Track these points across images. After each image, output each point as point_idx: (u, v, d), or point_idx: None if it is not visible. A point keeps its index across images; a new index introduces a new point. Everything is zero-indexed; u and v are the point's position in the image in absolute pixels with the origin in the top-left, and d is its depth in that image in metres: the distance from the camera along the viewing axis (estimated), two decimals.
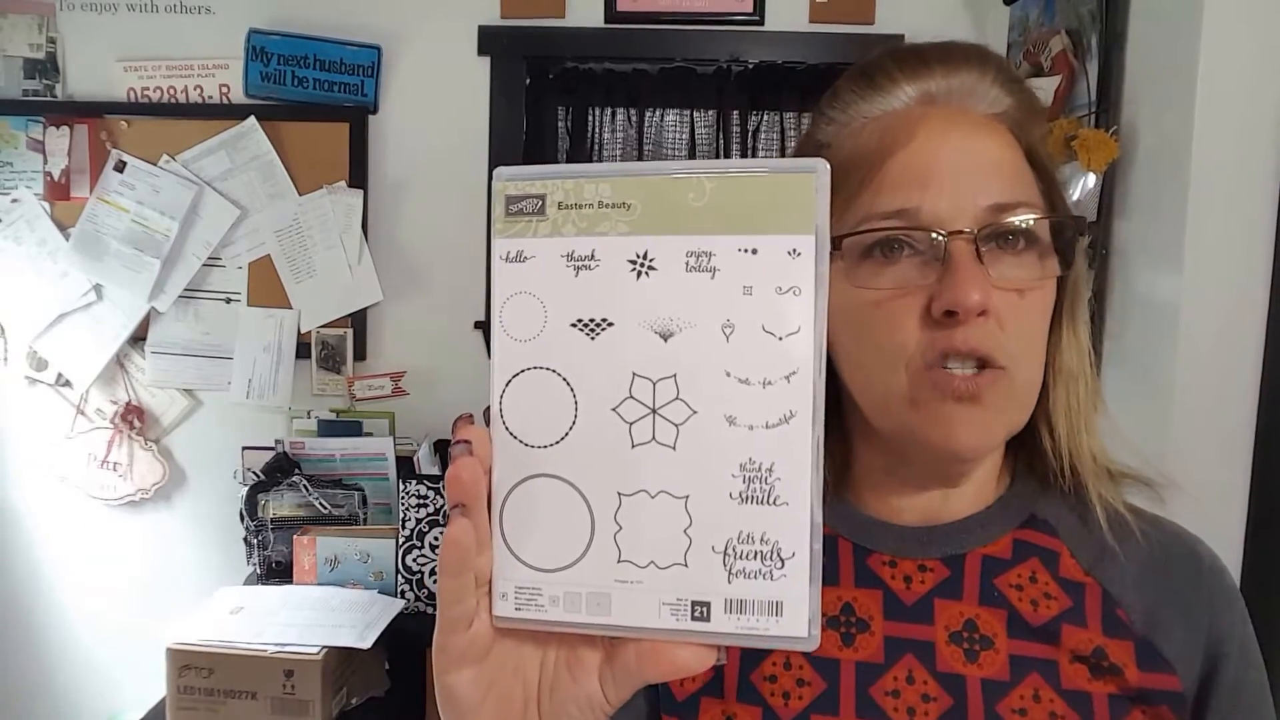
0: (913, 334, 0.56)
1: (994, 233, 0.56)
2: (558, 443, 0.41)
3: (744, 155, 2.35)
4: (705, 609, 0.40)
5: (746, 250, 0.39)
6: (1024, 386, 0.58)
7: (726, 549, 0.40)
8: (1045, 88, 1.73)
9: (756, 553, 0.39)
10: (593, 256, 0.40)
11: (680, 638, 0.40)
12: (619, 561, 0.40)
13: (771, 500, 0.39)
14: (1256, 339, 1.42)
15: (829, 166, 0.39)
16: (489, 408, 0.42)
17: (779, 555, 0.39)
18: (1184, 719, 0.58)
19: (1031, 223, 0.57)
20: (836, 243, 0.58)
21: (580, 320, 0.40)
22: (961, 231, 0.55)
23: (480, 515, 0.41)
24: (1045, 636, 0.59)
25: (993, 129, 0.59)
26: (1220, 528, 1.41)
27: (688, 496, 0.40)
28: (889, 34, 2.19)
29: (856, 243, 0.57)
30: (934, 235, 0.55)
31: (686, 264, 0.39)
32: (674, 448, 0.40)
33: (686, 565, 0.40)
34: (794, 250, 0.38)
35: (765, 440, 0.39)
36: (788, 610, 0.39)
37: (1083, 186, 1.64)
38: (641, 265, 0.40)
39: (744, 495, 0.39)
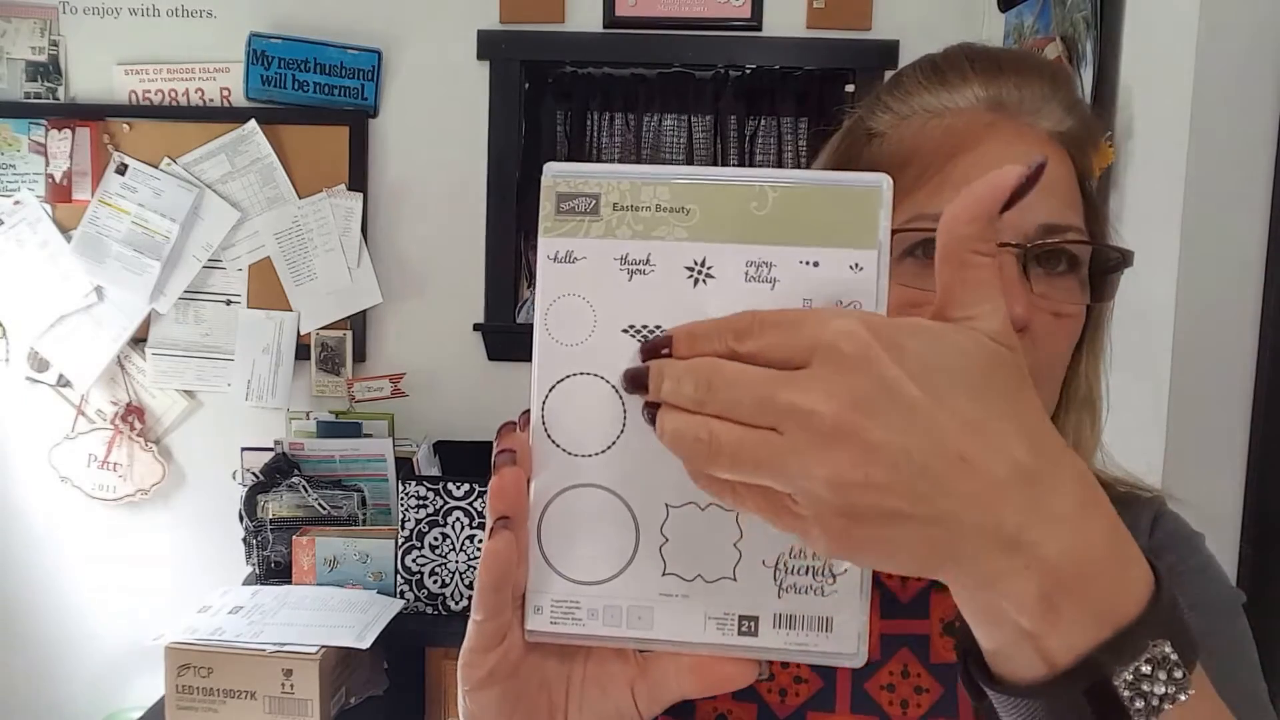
0: None
1: (1042, 252, 0.56)
2: (603, 451, 0.39)
3: (741, 160, 2.36)
4: (753, 624, 0.39)
5: (808, 262, 0.38)
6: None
7: (778, 564, 0.39)
8: None
9: (808, 568, 0.39)
10: (648, 261, 0.39)
11: (725, 652, 0.39)
12: (664, 574, 0.39)
13: None
14: (1250, 343, 1.43)
15: (892, 183, 0.38)
16: (526, 411, 0.40)
17: (830, 570, 0.39)
18: None
19: (1078, 248, 0.57)
20: None
21: (633, 326, 0.39)
22: (1010, 245, 0.55)
23: (523, 529, 0.39)
24: None
25: (1054, 148, 0.58)
26: (1216, 530, 1.42)
27: (739, 510, 0.39)
28: (885, 40, 2.20)
29: (902, 239, 0.57)
30: None
31: (746, 274, 0.38)
32: None
33: (735, 579, 0.39)
34: (856, 265, 0.38)
35: None
36: (837, 626, 0.39)
37: None
38: (699, 273, 0.38)
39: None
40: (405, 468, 2.06)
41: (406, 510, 1.92)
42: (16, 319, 2.26)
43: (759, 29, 2.22)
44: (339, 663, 1.71)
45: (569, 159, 2.39)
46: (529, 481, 0.40)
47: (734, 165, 2.32)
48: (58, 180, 2.24)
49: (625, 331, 0.39)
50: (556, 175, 0.39)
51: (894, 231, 0.56)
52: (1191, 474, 1.43)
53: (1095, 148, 0.61)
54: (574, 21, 2.24)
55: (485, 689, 0.42)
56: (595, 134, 2.38)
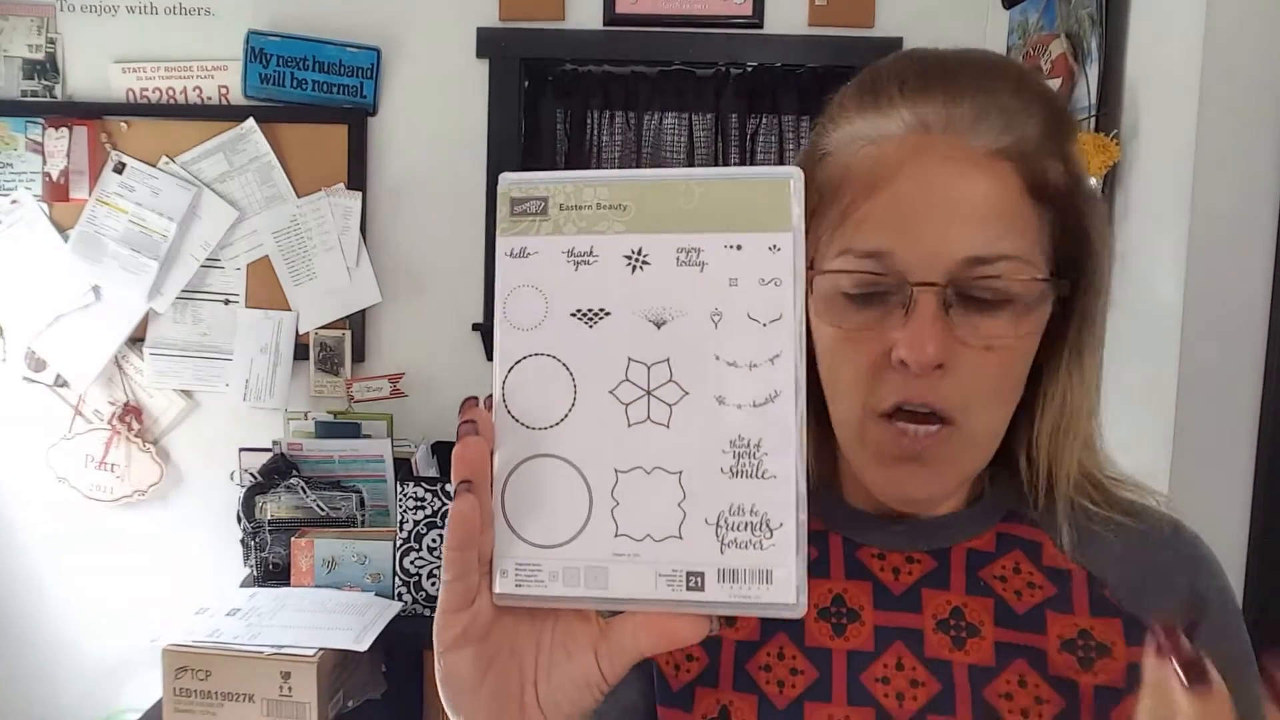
0: (872, 375, 0.57)
1: (961, 290, 0.56)
2: (557, 424, 0.43)
3: (743, 158, 2.36)
4: (699, 579, 0.42)
5: (732, 246, 0.42)
6: (977, 438, 0.59)
7: (719, 521, 0.42)
8: None
9: (747, 524, 0.42)
10: (591, 252, 0.43)
11: (676, 608, 0.42)
12: (616, 536, 0.43)
13: (760, 474, 0.42)
14: (1258, 343, 1.42)
15: (803, 174, 0.42)
16: (491, 395, 0.45)
17: (768, 526, 0.42)
18: None
19: (1000, 286, 0.56)
20: (813, 265, 0.59)
21: (579, 310, 0.43)
22: (930, 284, 0.55)
23: (485, 492, 0.42)
24: (1031, 625, 0.61)
25: (988, 167, 0.56)
26: (1223, 531, 1.41)
27: (681, 472, 0.42)
28: (888, 37, 2.19)
29: (832, 282, 0.58)
30: (902, 285, 0.56)
31: (677, 259, 0.43)
32: (668, 426, 0.43)
33: (681, 537, 0.42)
34: (774, 246, 0.42)
35: (753, 418, 0.42)
36: (777, 578, 0.42)
37: None
38: (636, 260, 0.43)
39: (734, 470, 0.42)
40: (404, 468, 2.06)
41: (405, 511, 1.91)
42: (14, 319, 2.25)
43: (760, 26, 2.21)
44: (337, 665, 1.70)
45: (569, 157, 2.38)
46: (492, 452, 0.43)
47: (736, 164, 2.32)
48: (55, 179, 2.23)
49: (573, 315, 0.43)
50: (511, 183, 0.45)
51: (824, 272, 0.58)
52: (1199, 475, 1.42)
53: (1056, 154, 0.58)
54: (574, 19, 2.23)
55: (457, 650, 0.44)
56: (595, 132, 2.37)
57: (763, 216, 0.42)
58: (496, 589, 0.44)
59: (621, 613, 0.44)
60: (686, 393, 0.42)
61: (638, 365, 0.43)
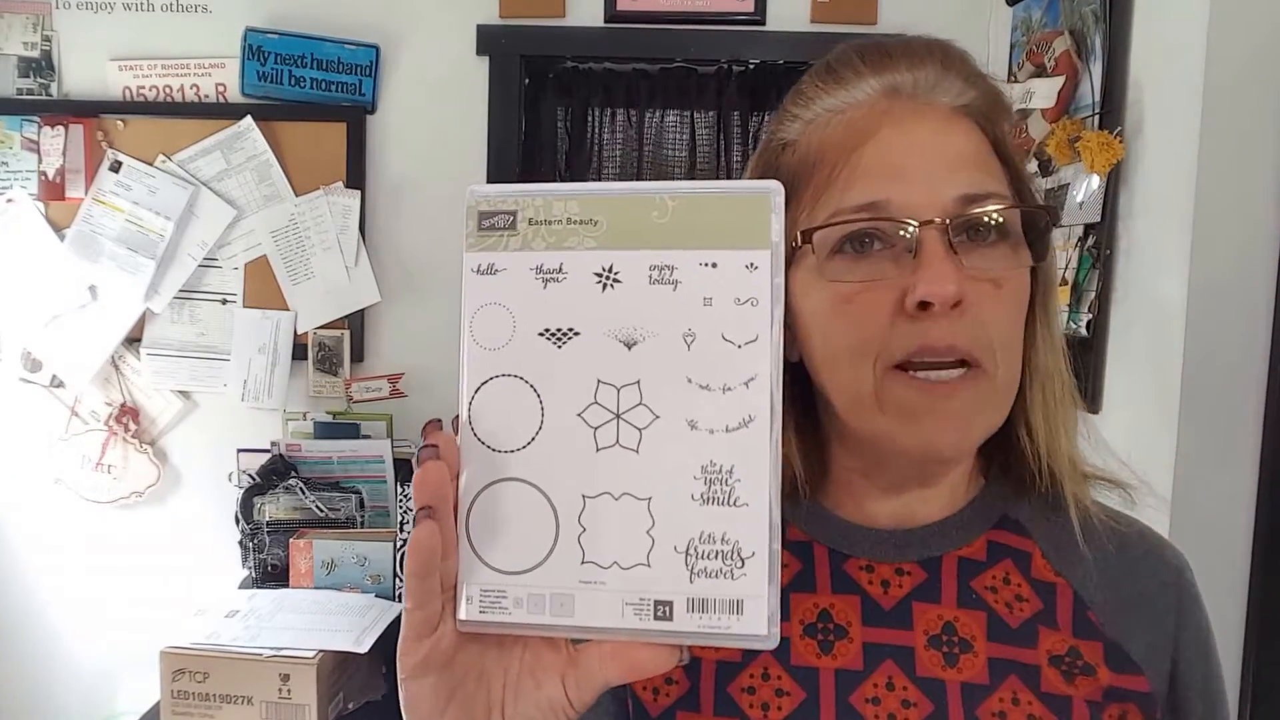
0: (883, 329, 0.55)
1: (966, 224, 0.55)
2: (524, 447, 0.42)
3: (745, 156, 2.35)
4: (668, 608, 0.41)
5: (707, 264, 0.41)
6: (1003, 386, 0.57)
7: (688, 549, 0.41)
8: (1048, 89, 1.73)
9: (717, 552, 0.41)
10: (561, 270, 0.42)
11: (643, 637, 0.41)
12: (583, 563, 0.42)
13: (732, 501, 0.41)
14: (1262, 339, 1.41)
15: (783, 187, 0.41)
16: (457, 416, 0.44)
17: (739, 555, 0.41)
18: (1151, 716, 0.59)
19: (1003, 214, 0.56)
20: (807, 236, 0.57)
21: (548, 330, 0.42)
22: (933, 222, 0.54)
23: (446, 519, 0.42)
24: (1023, 639, 0.60)
25: (959, 121, 0.58)
26: (1226, 530, 1.40)
27: (650, 498, 0.41)
28: (890, 34, 2.17)
29: (827, 236, 0.57)
30: (905, 226, 0.55)
31: (650, 277, 0.41)
32: (637, 451, 0.41)
33: (649, 565, 0.41)
34: (751, 264, 0.41)
35: (726, 444, 0.41)
36: (748, 609, 0.40)
37: (1086, 188, 1.63)
38: (607, 278, 0.42)
39: (705, 497, 0.41)
40: (404, 469, 2.04)
41: (405, 512, 1.89)
42: (9, 319, 2.23)
43: (762, 23, 2.20)
44: (336, 667, 1.68)
45: (569, 156, 2.37)
46: (457, 476, 0.42)
47: (738, 161, 2.32)
48: (51, 178, 2.21)
49: (541, 335, 0.42)
50: (479, 196, 0.43)
51: (816, 229, 0.56)
52: (1203, 473, 1.41)
53: (1006, 115, 0.61)
54: (574, 16, 2.22)
55: (419, 677, 0.43)
56: (596, 130, 2.35)
57: (740, 233, 0.41)
58: (460, 615, 0.43)
59: (589, 640, 0.43)
60: (657, 416, 0.41)
61: (607, 387, 0.42)
